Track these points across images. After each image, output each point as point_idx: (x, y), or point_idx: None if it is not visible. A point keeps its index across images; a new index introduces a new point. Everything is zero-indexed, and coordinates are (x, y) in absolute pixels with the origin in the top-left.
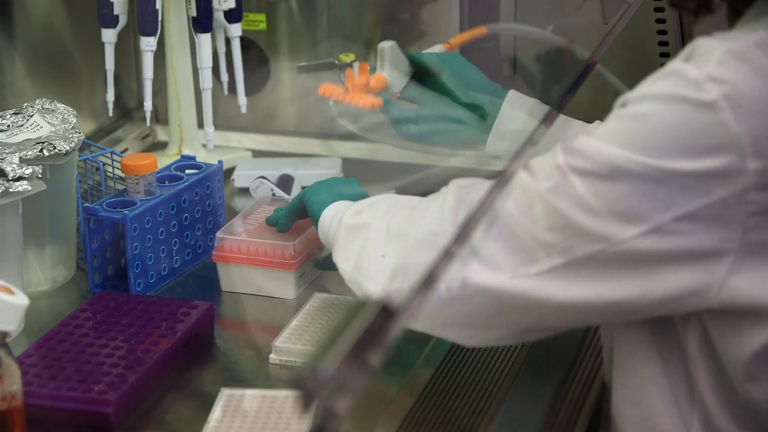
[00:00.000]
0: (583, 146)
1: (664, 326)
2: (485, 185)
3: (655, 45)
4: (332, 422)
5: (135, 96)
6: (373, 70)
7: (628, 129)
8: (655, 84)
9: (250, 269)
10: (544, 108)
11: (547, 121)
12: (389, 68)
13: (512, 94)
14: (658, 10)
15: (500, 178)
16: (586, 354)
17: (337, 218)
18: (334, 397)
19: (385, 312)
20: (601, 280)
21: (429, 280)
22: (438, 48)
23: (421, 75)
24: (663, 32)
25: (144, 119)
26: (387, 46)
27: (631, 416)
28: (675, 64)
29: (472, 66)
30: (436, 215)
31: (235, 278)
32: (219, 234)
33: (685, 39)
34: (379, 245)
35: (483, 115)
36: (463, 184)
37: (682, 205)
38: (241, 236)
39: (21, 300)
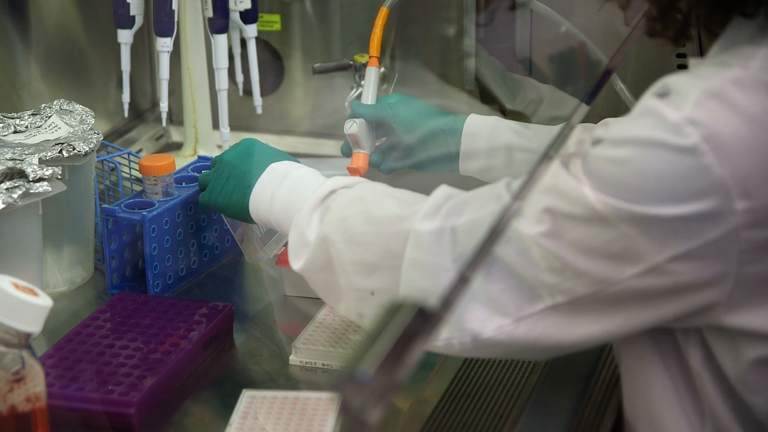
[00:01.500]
0: (568, 190)
1: (667, 343)
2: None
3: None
4: (370, 424)
5: (149, 97)
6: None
7: (610, 174)
8: (632, 125)
9: None
10: (506, 124)
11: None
12: (365, 143)
13: (471, 118)
14: None
15: (507, 210)
16: (608, 357)
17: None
18: (371, 399)
19: (422, 315)
20: (604, 315)
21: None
22: (373, 72)
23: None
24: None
25: (158, 120)
26: (353, 131)
27: (643, 430)
28: (650, 102)
29: (418, 101)
30: (425, 239)
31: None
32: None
33: (701, 38)
34: (357, 277)
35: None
36: (449, 204)
37: (676, 246)
38: None
39: (44, 301)
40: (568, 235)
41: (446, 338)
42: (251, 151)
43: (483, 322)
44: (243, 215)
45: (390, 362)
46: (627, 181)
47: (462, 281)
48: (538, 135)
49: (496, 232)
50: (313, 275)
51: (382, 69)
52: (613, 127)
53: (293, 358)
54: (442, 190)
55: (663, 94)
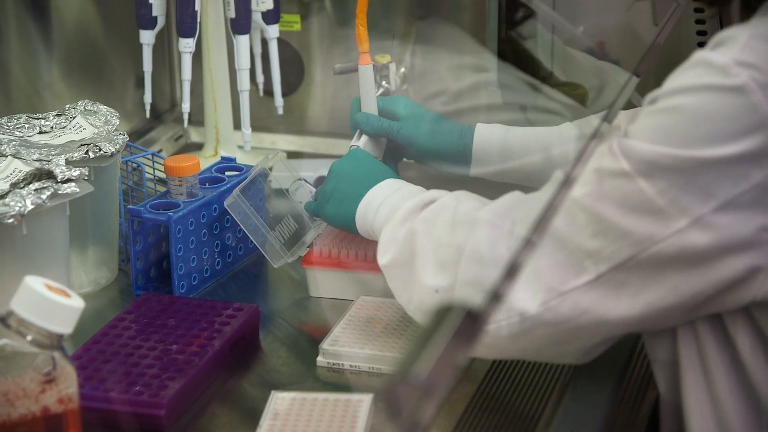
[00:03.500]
0: (616, 147)
1: (713, 333)
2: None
3: (695, 46)
4: (423, 425)
5: (167, 97)
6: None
7: (660, 123)
8: (682, 76)
9: (340, 273)
10: (511, 130)
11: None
12: (374, 152)
13: (480, 129)
14: (698, 10)
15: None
16: (639, 356)
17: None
18: (424, 400)
19: (471, 316)
20: (647, 285)
21: (512, 270)
22: (368, 72)
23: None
24: (703, 33)
25: (177, 120)
26: (360, 144)
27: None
28: (700, 54)
29: (422, 111)
30: (481, 246)
31: (324, 283)
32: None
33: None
34: (428, 274)
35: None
36: (495, 212)
37: (720, 195)
38: (331, 241)
39: (77, 302)
40: (613, 194)
41: (496, 321)
42: (364, 163)
43: (529, 298)
44: (347, 222)
45: (442, 364)
46: (676, 127)
47: (512, 270)
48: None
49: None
50: (395, 271)
51: (402, 69)
52: (665, 82)
53: (320, 360)
54: (514, 193)
55: (713, 47)
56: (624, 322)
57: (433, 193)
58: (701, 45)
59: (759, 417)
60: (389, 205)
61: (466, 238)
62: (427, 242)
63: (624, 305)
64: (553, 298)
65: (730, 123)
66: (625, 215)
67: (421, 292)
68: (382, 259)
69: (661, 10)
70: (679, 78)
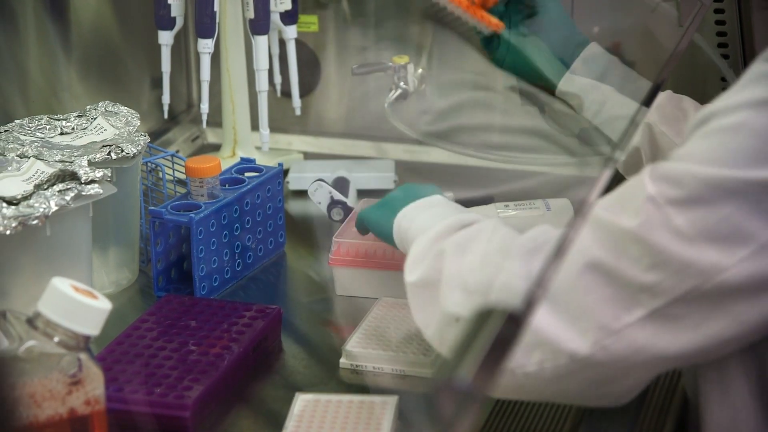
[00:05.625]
0: (673, 172)
1: (753, 360)
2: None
3: (715, 46)
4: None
5: (184, 98)
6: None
7: (722, 144)
8: (744, 92)
9: (368, 272)
10: (620, 68)
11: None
12: None
13: (592, 47)
14: (718, 11)
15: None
16: (659, 380)
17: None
18: (468, 404)
19: (512, 320)
20: (709, 316)
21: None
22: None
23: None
24: (723, 34)
25: (193, 121)
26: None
27: None
28: (761, 67)
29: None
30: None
31: (352, 282)
32: (335, 238)
33: (744, 36)
34: (451, 301)
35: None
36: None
37: None
38: (358, 239)
39: (104, 304)
40: (672, 222)
41: (538, 362)
42: (414, 187)
43: (578, 338)
44: (385, 229)
45: (484, 368)
46: (740, 147)
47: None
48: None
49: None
50: (418, 290)
51: (420, 70)
52: (718, 100)
53: (344, 361)
54: (545, 228)
55: None
56: (681, 357)
57: (471, 216)
58: (720, 46)
59: None
60: (423, 220)
61: (496, 270)
62: (455, 267)
63: (683, 339)
64: (606, 336)
65: None
66: (685, 245)
67: (440, 318)
68: (409, 275)
69: (685, 10)
70: (739, 94)
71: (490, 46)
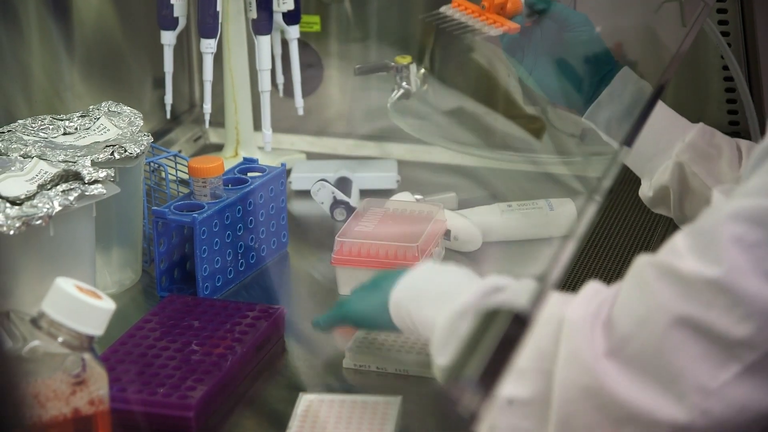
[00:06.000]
0: (751, 212)
1: None
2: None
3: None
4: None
5: (186, 98)
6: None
7: None
8: None
9: (371, 272)
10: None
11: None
12: None
13: (624, 72)
14: (720, 11)
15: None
16: None
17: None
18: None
19: (518, 320)
20: None
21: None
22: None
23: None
24: (726, 34)
25: (196, 121)
26: None
27: None
28: None
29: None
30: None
31: (355, 282)
32: (338, 237)
33: (747, 33)
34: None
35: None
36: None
37: None
38: (361, 238)
39: (108, 304)
40: (759, 267)
41: None
42: (391, 273)
43: (673, 405)
44: (380, 312)
45: (491, 369)
46: None
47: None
48: None
49: None
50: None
51: (422, 70)
52: None
53: (347, 361)
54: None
55: None
56: None
57: (497, 279)
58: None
59: None
60: (439, 288)
61: (553, 341)
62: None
63: None
64: (705, 399)
65: None
66: None
67: (492, 404)
68: (440, 358)
69: (689, 10)
70: None
71: (515, 57)
